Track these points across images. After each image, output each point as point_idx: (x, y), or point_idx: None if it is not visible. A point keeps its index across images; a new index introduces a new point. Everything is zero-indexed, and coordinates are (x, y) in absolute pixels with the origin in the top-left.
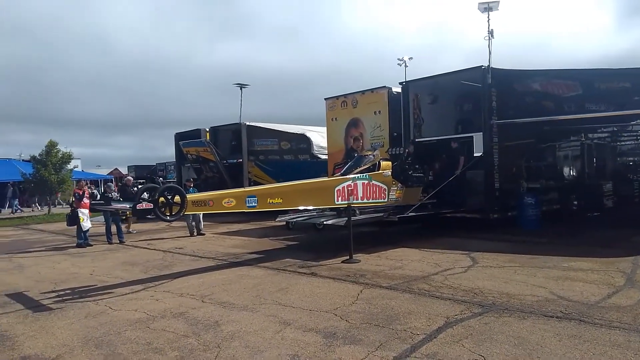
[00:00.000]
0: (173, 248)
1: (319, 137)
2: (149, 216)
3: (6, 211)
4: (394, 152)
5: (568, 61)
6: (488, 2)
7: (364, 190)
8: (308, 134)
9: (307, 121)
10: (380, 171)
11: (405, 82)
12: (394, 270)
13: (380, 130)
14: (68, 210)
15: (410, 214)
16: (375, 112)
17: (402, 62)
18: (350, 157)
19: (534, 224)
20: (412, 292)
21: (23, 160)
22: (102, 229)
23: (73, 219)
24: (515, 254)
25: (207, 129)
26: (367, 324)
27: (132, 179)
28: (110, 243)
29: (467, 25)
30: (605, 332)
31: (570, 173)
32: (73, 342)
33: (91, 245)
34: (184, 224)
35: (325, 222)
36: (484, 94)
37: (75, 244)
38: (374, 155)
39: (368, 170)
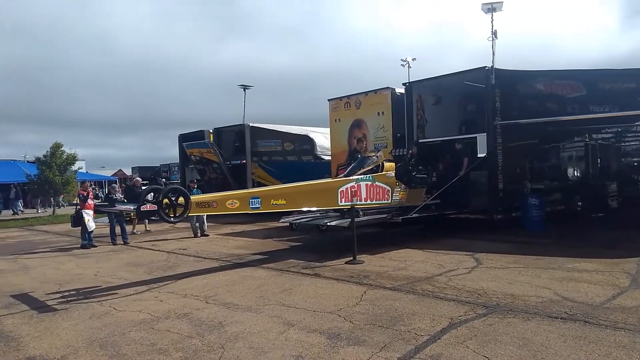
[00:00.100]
0: (177, 249)
1: (322, 138)
2: (153, 217)
3: (7, 212)
4: (397, 153)
5: (572, 62)
6: (492, 3)
7: (368, 191)
8: (311, 135)
9: (310, 122)
10: (383, 172)
11: (408, 82)
12: (397, 271)
13: (383, 131)
14: (72, 211)
15: (414, 215)
16: (378, 113)
17: (405, 62)
18: (353, 158)
19: (538, 224)
20: (416, 293)
21: (28, 161)
22: (107, 230)
23: (78, 220)
24: (519, 254)
25: (211, 130)
26: (371, 325)
27: (140, 179)
28: (114, 244)
29: (471, 26)
30: (610, 333)
31: (574, 174)
32: (78, 342)
33: (95, 247)
34: (188, 225)
35: (328, 224)
36: (487, 95)
37: (79, 245)
38: (377, 157)
39: (371, 171)
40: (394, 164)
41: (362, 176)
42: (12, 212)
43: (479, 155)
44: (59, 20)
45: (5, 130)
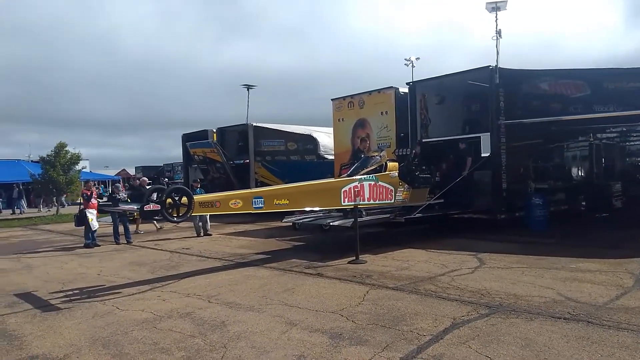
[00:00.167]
0: (180, 248)
1: (325, 137)
2: (156, 217)
3: (7, 211)
4: (400, 153)
5: (576, 61)
6: (496, 2)
7: (371, 191)
8: (314, 135)
9: (314, 122)
10: (386, 172)
11: (412, 82)
12: (400, 271)
13: (387, 131)
14: (74, 210)
15: (417, 215)
16: (382, 113)
17: (409, 62)
18: (356, 158)
19: (541, 224)
20: (418, 293)
21: (32, 161)
22: (110, 230)
23: (81, 220)
24: (522, 254)
25: (214, 130)
26: (373, 324)
27: (147, 179)
28: (117, 243)
29: (475, 25)
30: (613, 333)
31: (578, 173)
32: (80, 341)
33: (99, 246)
34: (191, 224)
35: (331, 223)
36: (491, 94)
37: (83, 245)
38: (380, 156)
39: (375, 171)
40: (397, 163)
41: (365, 176)
42: (11, 212)
43: (482, 155)
44: (61, 21)
45: (10, 130)
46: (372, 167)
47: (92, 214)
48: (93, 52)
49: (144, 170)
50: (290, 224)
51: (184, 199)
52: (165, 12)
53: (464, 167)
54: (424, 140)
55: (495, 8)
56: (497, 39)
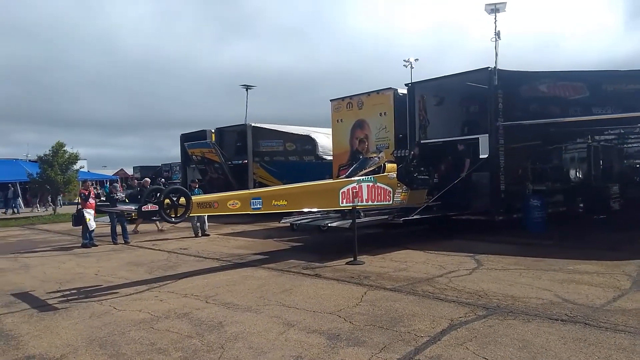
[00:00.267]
0: (178, 249)
1: (324, 138)
2: (154, 218)
3: (1, 210)
4: (399, 154)
5: (575, 63)
6: (495, 3)
7: (369, 192)
8: (313, 135)
9: (313, 122)
10: (385, 173)
11: (411, 83)
12: (398, 272)
13: (385, 132)
14: (71, 210)
15: (415, 217)
16: (380, 114)
17: (407, 63)
18: (355, 159)
19: (539, 226)
20: (416, 294)
21: (30, 160)
22: (108, 230)
23: (79, 219)
24: (520, 256)
25: (213, 130)
26: (371, 325)
27: (149, 180)
28: (115, 243)
29: (474, 27)
30: (610, 335)
31: (576, 175)
32: (77, 342)
33: (96, 246)
34: (189, 224)
35: (329, 224)
36: (490, 96)
37: (80, 244)
38: (379, 158)
39: (373, 172)
40: (395, 165)
41: (364, 177)
42: (4, 211)
43: (481, 157)
44: (61, 20)
45: (8, 130)
46: (371, 169)
47: (89, 214)
48: (92, 51)
49: (142, 170)
50: (289, 224)
51: (182, 200)
52: (165, 12)
53: (462, 168)
54: (422, 142)
55: (494, 9)
56: (496, 40)
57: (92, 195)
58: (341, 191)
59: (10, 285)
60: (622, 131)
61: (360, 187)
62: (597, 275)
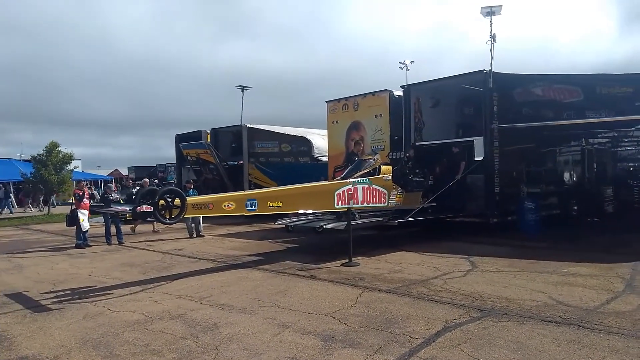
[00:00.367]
0: (172, 249)
1: (319, 139)
2: (149, 219)
3: None
4: (394, 157)
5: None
6: (490, 6)
7: (364, 194)
8: (309, 137)
9: (309, 124)
10: (380, 175)
11: (406, 85)
12: (393, 273)
13: (381, 134)
14: (63, 210)
15: (410, 219)
16: (376, 116)
17: (403, 65)
18: (350, 161)
19: (533, 228)
20: (411, 296)
21: (24, 160)
22: (102, 230)
23: (72, 220)
24: (514, 258)
25: (208, 131)
26: (365, 327)
27: (148, 181)
28: (109, 244)
29: (470, 29)
30: (604, 337)
31: (570, 178)
32: (71, 343)
33: (90, 246)
34: (184, 225)
35: (325, 226)
36: (485, 98)
37: (74, 245)
38: (374, 160)
39: (368, 174)
40: (390, 167)
41: (359, 179)
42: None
43: (475, 159)
44: (57, 19)
45: (2, 129)
46: (366, 170)
47: (83, 214)
48: (88, 50)
49: (137, 170)
50: (284, 226)
51: (177, 201)
52: (162, 11)
53: (457, 170)
54: (417, 144)
55: (490, 12)
56: (491, 43)
57: (86, 195)
58: (336, 193)
59: (3, 286)
60: (616, 134)
61: (356, 188)
62: (591, 278)
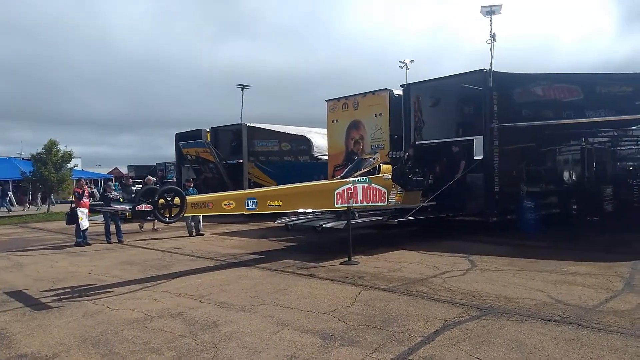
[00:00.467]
0: (172, 248)
1: (319, 138)
2: (148, 218)
3: None
4: (394, 156)
5: (571, 66)
6: (490, 6)
7: (364, 193)
8: (308, 136)
9: (310, 123)
10: (380, 174)
11: (406, 84)
12: (392, 272)
13: (381, 133)
14: (62, 209)
15: (410, 218)
16: (376, 115)
17: (403, 64)
18: (350, 159)
19: (533, 227)
20: (410, 295)
21: (23, 158)
22: (102, 228)
23: (72, 218)
24: (514, 257)
25: (208, 130)
26: (364, 325)
27: (152, 178)
28: (109, 242)
29: (470, 29)
30: (603, 336)
31: (570, 177)
32: (70, 341)
33: (90, 245)
34: (183, 224)
35: (324, 225)
36: (485, 97)
37: (74, 243)
38: (374, 159)
39: (368, 173)
40: (390, 166)
41: (359, 178)
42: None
43: (475, 158)
44: (57, 19)
45: (2, 127)
46: (366, 169)
47: (83, 213)
48: (89, 50)
49: (137, 169)
50: (283, 225)
51: (177, 200)
52: (162, 11)
53: (457, 170)
54: (417, 143)
55: (489, 12)
56: (491, 42)
57: (86, 194)
58: (336, 192)
59: (3, 284)
60: (616, 134)
61: (355, 188)
62: (590, 277)
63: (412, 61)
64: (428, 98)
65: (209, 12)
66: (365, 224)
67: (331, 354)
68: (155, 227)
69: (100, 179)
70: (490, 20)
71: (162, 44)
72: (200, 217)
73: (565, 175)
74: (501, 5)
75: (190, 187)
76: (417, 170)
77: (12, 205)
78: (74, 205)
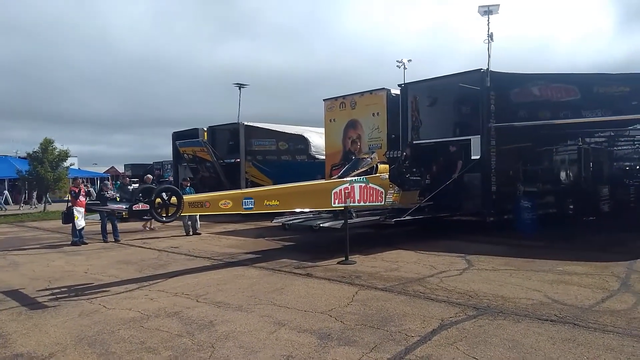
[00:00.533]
0: (168, 247)
1: (317, 137)
2: (145, 217)
3: None
4: (391, 155)
5: (568, 66)
6: (488, 6)
7: (361, 192)
8: (306, 135)
9: (308, 122)
10: (377, 174)
11: (404, 84)
12: (389, 272)
13: (378, 132)
14: (57, 207)
15: (407, 218)
16: (373, 114)
17: (401, 64)
18: (347, 159)
19: (530, 227)
20: (407, 294)
21: (20, 157)
22: (98, 227)
23: (69, 217)
24: (510, 257)
25: (205, 129)
26: (361, 325)
27: (151, 177)
28: (105, 241)
29: (467, 29)
30: (599, 336)
31: (567, 177)
32: (66, 340)
33: (86, 244)
34: (180, 223)
35: (321, 225)
36: (482, 97)
37: (70, 242)
38: (371, 158)
39: (365, 173)
40: (387, 166)
41: (356, 178)
42: None
43: (472, 158)
44: (57, 19)
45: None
46: (363, 169)
47: (79, 212)
48: (87, 49)
49: (133, 168)
50: (280, 224)
51: (174, 199)
52: (162, 11)
53: (454, 169)
54: (414, 142)
55: (487, 12)
56: (488, 42)
57: (82, 192)
58: (333, 191)
59: None
60: (612, 134)
61: (353, 187)
62: (587, 277)
63: (409, 61)
64: (425, 98)
65: (209, 12)
66: (362, 224)
67: (328, 354)
68: (151, 227)
69: (97, 178)
70: (488, 20)
71: (162, 43)
72: (197, 217)
73: (562, 175)
74: (499, 5)
75: (187, 186)
76: (415, 170)
77: (7, 204)
78: (70, 204)
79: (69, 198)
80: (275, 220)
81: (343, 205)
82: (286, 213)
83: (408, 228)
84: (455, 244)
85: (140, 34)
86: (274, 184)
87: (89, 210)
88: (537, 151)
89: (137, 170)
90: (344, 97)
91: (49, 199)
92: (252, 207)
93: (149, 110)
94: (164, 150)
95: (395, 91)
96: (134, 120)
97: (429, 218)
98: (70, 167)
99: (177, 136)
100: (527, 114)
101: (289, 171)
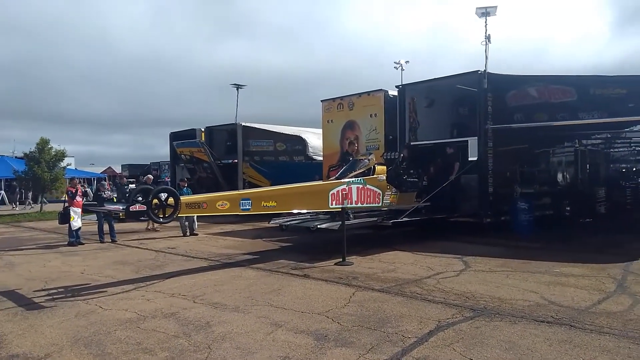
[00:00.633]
0: (165, 248)
1: (314, 138)
2: (142, 218)
3: None
4: (389, 157)
5: (565, 67)
6: (485, 7)
7: (359, 194)
8: (304, 136)
9: (306, 123)
10: (375, 175)
11: (401, 85)
12: (386, 273)
13: (375, 133)
14: (52, 208)
15: (404, 219)
16: (371, 115)
17: (398, 65)
18: (345, 160)
19: (527, 229)
20: (404, 295)
21: (16, 157)
22: (95, 228)
23: (65, 217)
24: (507, 258)
25: (203, 129)
26: (358, 326)
27: (152, 177)
28: (102, 242)
29: (468, 30)
30: (595, 337)
31: (563, 179)
32: (62, 341)
33: (83, 244)
34: (177, 223)
35: (319, 226)
36: (479, 99)
37: (66, 243)
38: (368, 160)
39: (363, 174)
40: (385, 167)
41: (354, 179)
42: None
43: (469, 159)
44: (56, 18)
45: None
46: (361, 170)
47: (75, 213)
48: (85, 49)
49: (130, 168)
50: (278, 225)
51: (171, 200)
52: (161, 11)
53: (451, 171)
54: (412, 144)
55: (485, 13)
56: (486, 44)
57: (79, 193)
58: (331, 193)
59: None
60: (609, 135)
61: (350, 188)
62: (583, 278)
63: (407, 62)
64: (423, 99)
65: (208, 12)
66: (359, 225)
67: (325, 355)
68: (154, 227)
69: (94, 178)
70: (485, 22)
71: (161, 43)
72: (195, 217)
73: (559, 176)
74: (496, 7)
75: (184, 187)
76: (412, 171)
77: (3, 204)
78: (67, 204)
79: (66, 198)
80: (272, 222)
81: (340, 206)
82: (284, 214)
83: (405, 229)
84: (452, 245)
85: (139, 34)
86: (272, 184)
87: (86, 210)
88: (534, 153)
89: (135, 170)
90: (341, 98)
91: (45, 199)
92: (249, 208)
93: (147, 110)
94: (162, 151)
95: (393, 92)
96: (131, 121)
97: (426, 219)
98: (67, 167)
99: (175, 137)
100: (524, 115)
101: (286, 172)
